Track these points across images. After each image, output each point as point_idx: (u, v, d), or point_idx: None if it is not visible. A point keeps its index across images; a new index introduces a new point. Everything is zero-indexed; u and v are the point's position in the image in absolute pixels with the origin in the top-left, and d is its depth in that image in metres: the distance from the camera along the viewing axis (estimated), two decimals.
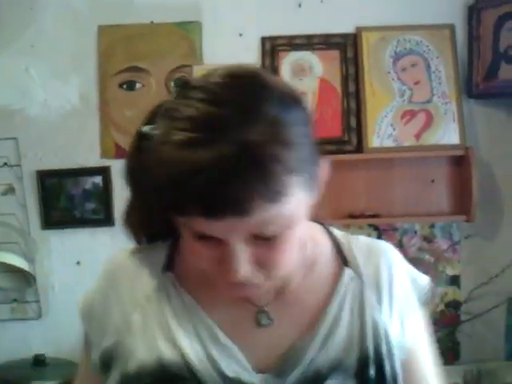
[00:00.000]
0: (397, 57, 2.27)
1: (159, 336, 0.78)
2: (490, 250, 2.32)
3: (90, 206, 2.34)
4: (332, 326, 0.79)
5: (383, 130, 2.24)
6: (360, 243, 0.87)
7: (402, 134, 2.24)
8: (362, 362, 0.78)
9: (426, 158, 2.27)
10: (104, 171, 2.31)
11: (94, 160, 2.32)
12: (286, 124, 0.66)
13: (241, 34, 2.30)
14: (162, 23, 2.30)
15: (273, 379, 0.77)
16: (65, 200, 2.33)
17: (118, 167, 2.12)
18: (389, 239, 2.30)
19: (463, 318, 2.33)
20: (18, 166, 2.32)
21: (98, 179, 2.32)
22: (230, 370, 0.76)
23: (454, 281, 2.34)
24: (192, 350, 0.77)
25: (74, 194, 2.33)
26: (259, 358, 0.78)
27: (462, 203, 2.26)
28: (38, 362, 2.15)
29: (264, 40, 2.30)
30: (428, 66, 2.27)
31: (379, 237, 2.32)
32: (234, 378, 0.76)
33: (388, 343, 0.80)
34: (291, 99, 0.70)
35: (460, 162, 2.26)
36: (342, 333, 0.79)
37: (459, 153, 2.22)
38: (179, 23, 2.29)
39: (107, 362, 0.81)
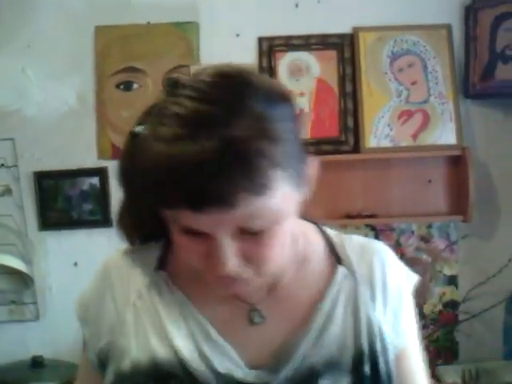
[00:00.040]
0: (394, 57, 2.28)
1: (152, 334, 0.79)
2: (487, 249, 2.32)
3: (87, 207, 2.33)
4: (325, 322, 0.80)
5: (380, 130, 2.24)
6: (353, 242, 0.88)
7: (398, 134, 2.24)
8: (357, 359, 0.79)
9: (422, 158, 2.27)
10: (101, 172, 2.31)
11: (90, 161, 2.32)
12: (271, 119, 0.67)
13: (238, 35, 2.30)
14: (158, 23, 2.29)
15: (265, 375, 0.77)
16: (62, 201, 2.33)
17: (115, 168, 2.12)
18: (386, 239, 2.30)
19: (461, 317, 2.33)
20: (15, 166, 2.31)
21: (95, 180, 2.32)
22: (223, 367, 0.77)
23: (452, 281, 2.35)
24: (185, 347, 0.78)
25: (71, 195, 2.33)
26: (252, 355, 0.79)
27: (458, 203, 2.27)
28: (36, 363, 2.14)
29: (261, 40, 2.30)
30: (425, 66, 2.27)
31: (376, 237, 2.32)
32: (227, 374, 0.77)
33: (382, 340, 0.81)
34: (278, 96, 0.71)
35: (457, 162, 2.26)
36: (335, 329, 0.80)
37: (456, 153, 2.22)
38: (176, 23, 2.29)
39: (103, 362, 0.83)
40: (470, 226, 2.27)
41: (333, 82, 2.29)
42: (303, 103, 2.27)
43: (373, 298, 0.83)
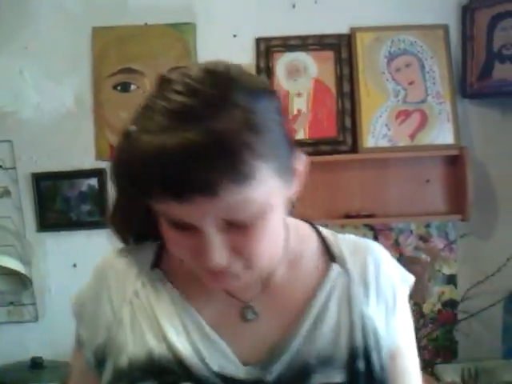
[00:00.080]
0: (391, 57, 2.28)
1: (148, 331, 0.80)
2: (485, 248, 2.32)
3: (86, 208, 2.33)
4: (318, 319, 0.81)
5: (378, 130, 2.24)
6: (347, 241, 0.89)
7: (396, 134, 2.25)
8: (351, 355, 0.79)
9: (420, 158, 2.27)
10: (99, 173, 2.31)
11: (88, 162, 2.32)
12: (255, 111, 0.68)
13: (235, 35, 2.30)
14: (156, 25, 2.30)
15: (259, 371, 0.78)
16: (60, 202, 2.33)
17: None
18: (385, 239, 2.31)
19: (460, 316, 2.33)
20: (13, 168, 2.31)
21: (94, 181, 2.32)
22: (217, 363, 0.78)
23: (451, 280, 2.35)
24: (180, 343, 0.79)
25: (69, 196, 2.33)
26: (245, 351, 0.80)
27: (457, 202, 2.27)
28: (36, 364, 2.15)
29: (258, 41, 2.30)
30: (422, 66, 2.27)
31: (375, 237, 2.32)
32: (221, 371, 0.77)
33: (376, 336, 0.81)
34: (262, 90, 0.73)
35: (455, 162, 2.26)
36: (328, 325, 0.80)
37: (454, 152, 2.22)
38: (173, 24, 2.29)
39: (100, 360, 0.83)
40: (469, 226, 2.28)
41: (330, 82, 2.29)
42: (301, 104, 2.27)
43: (366, 294, 0.83)
